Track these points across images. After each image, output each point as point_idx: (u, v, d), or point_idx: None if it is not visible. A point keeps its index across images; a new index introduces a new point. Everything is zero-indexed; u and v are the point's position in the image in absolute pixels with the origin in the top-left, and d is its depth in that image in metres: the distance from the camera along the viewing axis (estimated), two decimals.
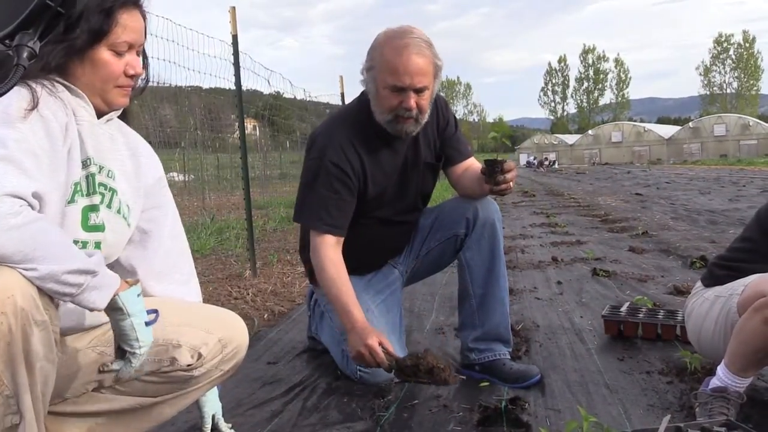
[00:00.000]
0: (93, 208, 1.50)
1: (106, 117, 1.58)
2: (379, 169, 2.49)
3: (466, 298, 2.60)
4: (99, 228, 1.50)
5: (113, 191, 1.56)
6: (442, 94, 2.66)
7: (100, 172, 1.53)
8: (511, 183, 2.35)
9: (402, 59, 2.26)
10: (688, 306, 2.35)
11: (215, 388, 1.79)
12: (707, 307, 2.19)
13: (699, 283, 2.34)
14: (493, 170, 2.32)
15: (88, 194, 1.49)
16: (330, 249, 2.40)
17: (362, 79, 2.45)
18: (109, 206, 1.54)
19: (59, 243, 1.25)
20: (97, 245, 1.50)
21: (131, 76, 1.53)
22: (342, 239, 2.43)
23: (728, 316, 2.06)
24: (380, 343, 2.23)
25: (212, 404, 1.89)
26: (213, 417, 1.88)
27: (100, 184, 1.53)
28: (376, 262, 2.71)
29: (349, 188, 2.42)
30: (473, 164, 2.62)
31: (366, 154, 2.45)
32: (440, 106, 2.61)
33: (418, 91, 2.30)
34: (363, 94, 2.50)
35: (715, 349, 2.16)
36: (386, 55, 2.30)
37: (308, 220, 2.47)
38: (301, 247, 2.75)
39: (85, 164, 1.49)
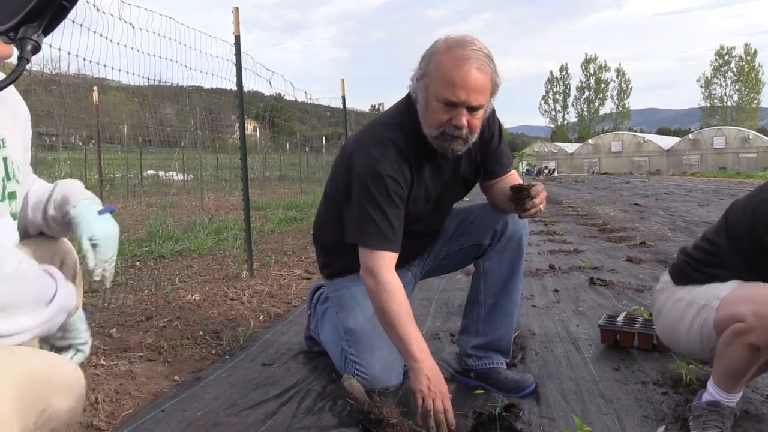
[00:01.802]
0: (12, 195, 1.38)
1: None
2: (423, 185, 2.35)
3: (474, 305, 2.58)
4: (16, 215, 1.40)
5: (13, 162, 1.40)
6: None
7: (4, 146, 1.36)
8: (540, 206, 2.28)
9: (461, 72, 2.07)
10: (658, 301, 2.31)
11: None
12: (681, 309, 2.16)
13: (667, 277, 2.29)
14: (521, 197, 2.26)
15: (8, 179, 1.36)
16: (391, 272, 2.21)
17: (410, 86, 2.27)
18: (18, 181, 1.41)
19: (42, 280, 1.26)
20: None
21: None
22: (397, 255, 2.27)
23: (704, 327, 2.05)
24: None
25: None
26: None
27: (11, 161, 1.38)
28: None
29: (403, 200, 2.27)
30: (511, 174, 2.54)
31: (414, 168, 2.30)
32: (488, 118, 2.37)
33: (472, 110, 2.13)
34: (409, 100, 2.33)
35: (690, 350, 2.19)
36: (444, 65, 2.11)
37: (369, 239, 2.23)
38: (315, 232, 2.70)
39: None
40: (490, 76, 2.13)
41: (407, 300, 2.22)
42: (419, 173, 2.32)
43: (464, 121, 2.13)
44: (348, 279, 2.55)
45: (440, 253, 2.67)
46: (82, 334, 1.39)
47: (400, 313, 2.16)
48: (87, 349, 1.41)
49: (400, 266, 2.59)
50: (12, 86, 1.52)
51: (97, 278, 1.55)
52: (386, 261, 2.22)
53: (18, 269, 1.15)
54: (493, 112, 2.42)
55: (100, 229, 1.55)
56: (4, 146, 1.37)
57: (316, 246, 2.74)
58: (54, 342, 1.37)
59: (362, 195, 2.24)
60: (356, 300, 2.47)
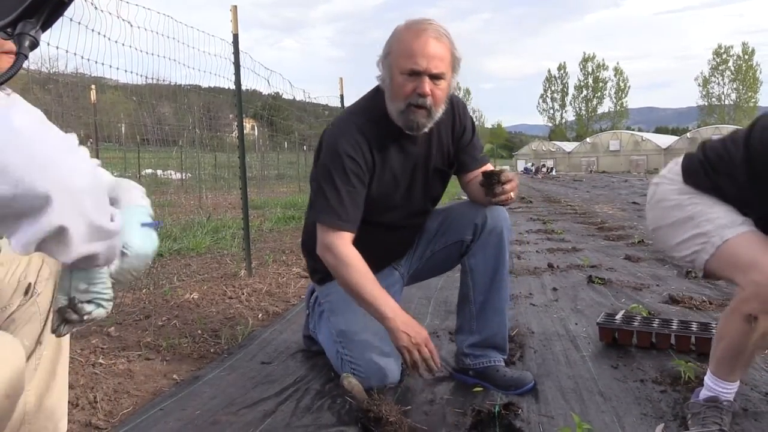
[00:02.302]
0: None
1: None
2: (388, 169, 2.41)
3: (466, 303, 2.58)
4: None
5: None
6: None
7: None
8: (511, 194, 2.32)
9: (419, 42, 2.20)
10: (659, 187, 2.18)
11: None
12: (678, 219, 2.06)
13: (678, 167, 2.14)
14: (490, 182, 2.30)
15: None
16: (348, 246, 2.30)
17: (378, 75, 2.36)
18: None
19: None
20: None
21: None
22: (353, 235, 2.34)
23: (696, 255, 1.98)
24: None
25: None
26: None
27: None
28: (378, 264, 2.61)
29: (363, 182, 2.34)
30: (486, 169, 2.56)
31: (378, 151, 2.37)
32: (458, 111, 2.52)
33: (434, 78, 2.22)
34: (377, 91, 2.43)
35: (668, 253, 2.14)
36: (403, 40, 2.24)
37: (324, 216, 2.33)
38: (303, 240, 2.73)
39: None
40: (449, 46, 2.26)
41: (367, 267, 2.29)
42: (383, 154, 2.39)
43: (427, 88, 2.22)
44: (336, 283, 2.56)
45: (425, 253, 2.67)
46: (107, 289, 1.31)
47: (362, 281, 2.27)
48: (109, 306, 1.33)
49: (386, 265, 2.65)
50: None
51: (111, 280, 1.52)
52: (341, 237, 2.31)
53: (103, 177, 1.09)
54: (465, 107, 2.56)
55: (135, 241, 1.49)
56: None
57: (305, 252, 2.75)
58: (76, 294, 1.30)
59: (321, 175, 2.36)
60: (346, 302, 2.47)
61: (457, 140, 2.54)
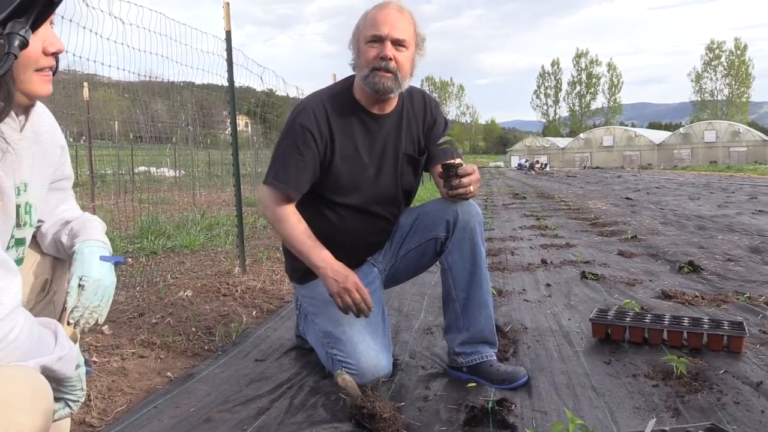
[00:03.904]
0: (20, 241, 1.39)
1: (25, 117, 1.37)
2: (350, 143, 2.50)
3: (449, 302, 2.59)
4: (21, 260, 1.42)
5: (29, 205, 1.40)
6: (435, 95, 2.68)
7: (25, 191, 1.36)
8: (470, 187, 2.34)
9: (382, 12, 2.39)
10: None
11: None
12: None
13: None
14: (448, 174, 2.32)
15: (18, 226, 1.36)
16: (284, 207, 2.45)
17: (350, 62, 2.50)
18: (30, 225, 1.42)
19: (38, 338, 1.17)
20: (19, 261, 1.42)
21: (53, 54, 1.28)
22: (294, 202, 2.48)
23: None
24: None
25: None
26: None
27: (26, 205, 1.38)
28: (354, 256, 2.64)
29: (312, 151, 2.44)
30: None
31: (337, 123, 2.48)
32: (430, 105, 2.67)
33: (397, 44, 2.38)
34: (349, 77, 2.57)
35: None
36: (368, 15, 2.43)
37: (268, 179, 2.48)
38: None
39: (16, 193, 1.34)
40: (411, 21, 2.42)
41: (302, 222, 2.46)
42: (344, 125, 2.50)
43: (389, 52, 2.36)
44: (319, 282, 2.58)
45: (400, 250, 2.67)
46: (77, 392, 1.31)
47: (296, 234, 2.44)
48: (76, 408, 1.34)
49: (364, 258, 2.69)
50: (47, 112, 1.54)
51: (71, 321, 1.50)
52: (279, 197, 2.46)
53: (8, 335, 1.09)
54: (437, 105, 2.74)
55: (93, 273, 1.51)
56: (25, 191, 1.37)
57: (285, 251, 2.78)
58: None
59: (276, 145, 2.54)
60: (327, 302, 2.49)
61: (427, 131, 2.66)
